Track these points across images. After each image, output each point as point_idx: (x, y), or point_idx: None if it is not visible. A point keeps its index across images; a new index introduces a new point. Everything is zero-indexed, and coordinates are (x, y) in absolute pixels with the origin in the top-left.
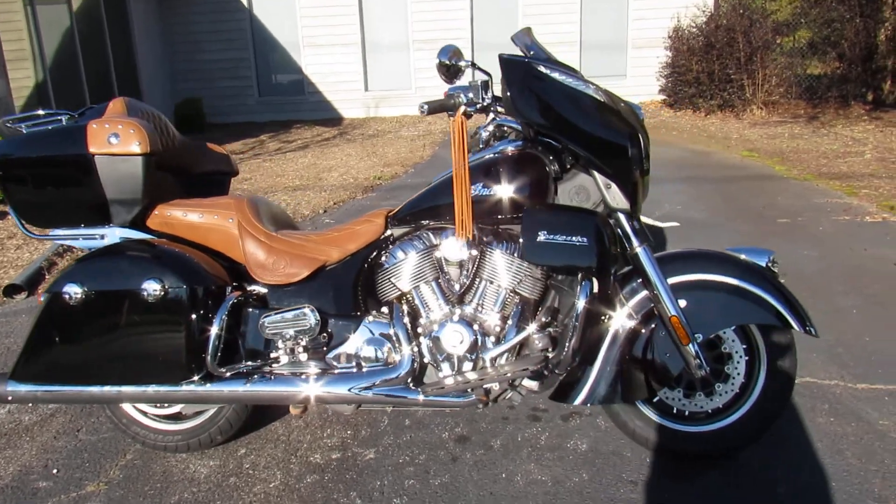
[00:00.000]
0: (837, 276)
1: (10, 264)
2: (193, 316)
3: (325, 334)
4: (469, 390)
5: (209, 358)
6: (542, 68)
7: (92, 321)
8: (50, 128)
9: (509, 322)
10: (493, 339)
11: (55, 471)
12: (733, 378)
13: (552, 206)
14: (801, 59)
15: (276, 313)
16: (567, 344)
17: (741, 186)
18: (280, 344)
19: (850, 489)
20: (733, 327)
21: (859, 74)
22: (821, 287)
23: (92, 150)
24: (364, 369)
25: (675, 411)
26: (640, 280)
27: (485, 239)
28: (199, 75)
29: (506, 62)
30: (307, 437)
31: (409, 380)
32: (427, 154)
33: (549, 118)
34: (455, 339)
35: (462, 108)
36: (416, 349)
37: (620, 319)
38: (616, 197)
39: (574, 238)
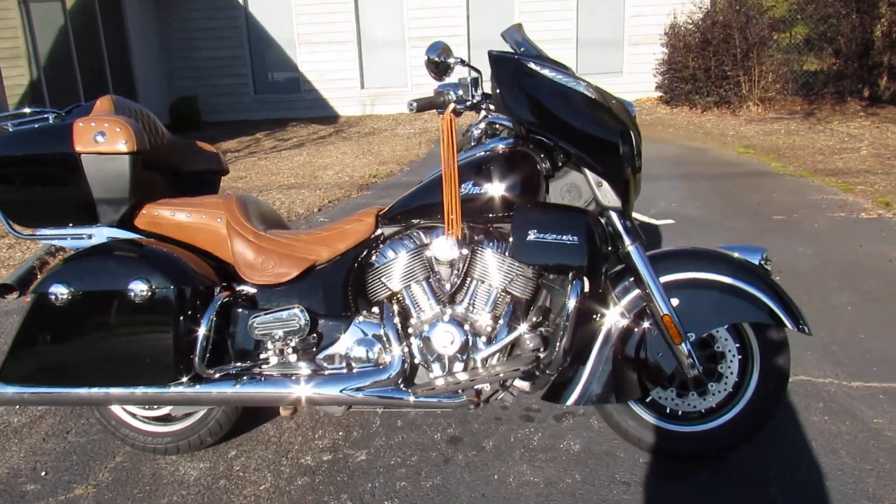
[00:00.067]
0: (832, 272)
1: (1, 264)
2: (181, 317)
3: (314, 335)
4: (460, 391)
5: (197, 359)
6: (531, 65)
7: (79, 322)
8: (36, 126)
9: (500, 322)
10: (484, 339)
11: (43, 473)
12: (726, 377)
13: (542, 205)
14: (798, 55)
15: (265, 314)
16: (558, 344)
17: (737, 183)
18: (269, 345)
19: (844, 489)
20: (726, 326)
21: (855, 70)
22: (816, 284)
23: (78, 148)
24: (354, 370)
25: (668, 411)
26: (632, 279)
27: (476, 238)
28: (195, 73)
29: (495, 59)
30: (298, 439)
31: (400, 381)
32: (423, 152)
33: (539, 115)
34: (446, 340)
35: (451, 106)
36: (406, 350)
37: (612, 318)
38: (607, 195)
39: (564, 237)
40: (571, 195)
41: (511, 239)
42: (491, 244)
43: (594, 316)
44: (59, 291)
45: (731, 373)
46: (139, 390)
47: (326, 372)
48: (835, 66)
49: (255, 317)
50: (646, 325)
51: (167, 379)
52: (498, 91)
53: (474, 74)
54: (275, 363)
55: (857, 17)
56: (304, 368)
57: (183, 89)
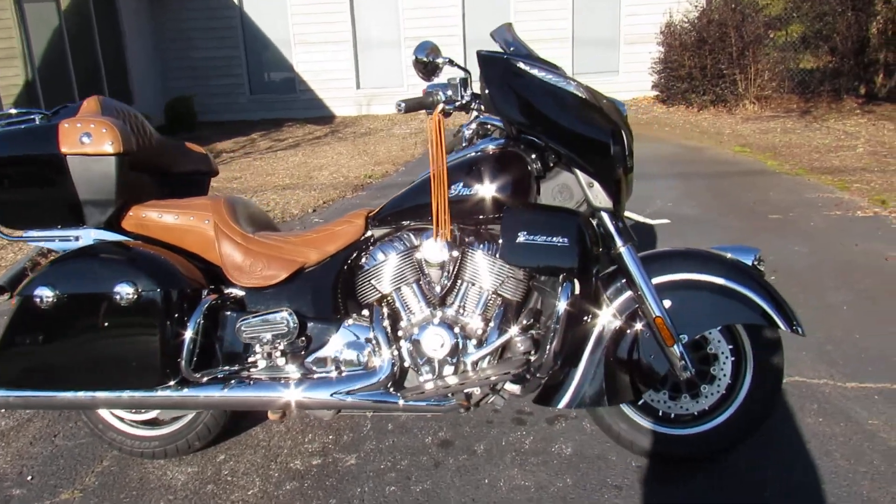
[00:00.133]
0: (828, 271)
1: None
2: (168, 320)
3: (303, 338)
4: (450, 395)
5: (184, 363)
6: (521, 65)
7: (64, 325)
8: (22, 127)
9: (491, 324)
10: (474, 342)
11: (30, 478)
12: (719, 379)
13: (532, 206)
14: (794, 53)
15: (253, 317)
16: (548, 347)
17: (733, 182)
18: (258, 348)
19: (838, 491)
20: (719, 328)
21: (851, 68)
22: (811, 283)
23: (63, 149)
24: (344, 374)
25: (660, 414)
26: (624, 280)
27: (466, 239)
28: (190, 73)
29: (484, 59)
30: (288, 443)
31: (389, 384)
32: (418, 152)
33: (529, 116)
34: (436, 343)
35: (440, 107)
36: (396, 353)
37: (604, 320)
38: (599, 196)
39: (554, 239)
40: (563, 196)
41: (500, 241)
42: (482, 246)
43: (586, 318)
44: (45, 294)
45: (724, 375)
46: (125, 394)
47: (315, 375)
48: (831, 63)
49: (244, 320)
50: (638, 326)
51: (154, 383)
52: (487, 91)
53: (463, 75)
54: (263, 367)
55: (853, 15)
56: (293, 372)
57: (178, 89)
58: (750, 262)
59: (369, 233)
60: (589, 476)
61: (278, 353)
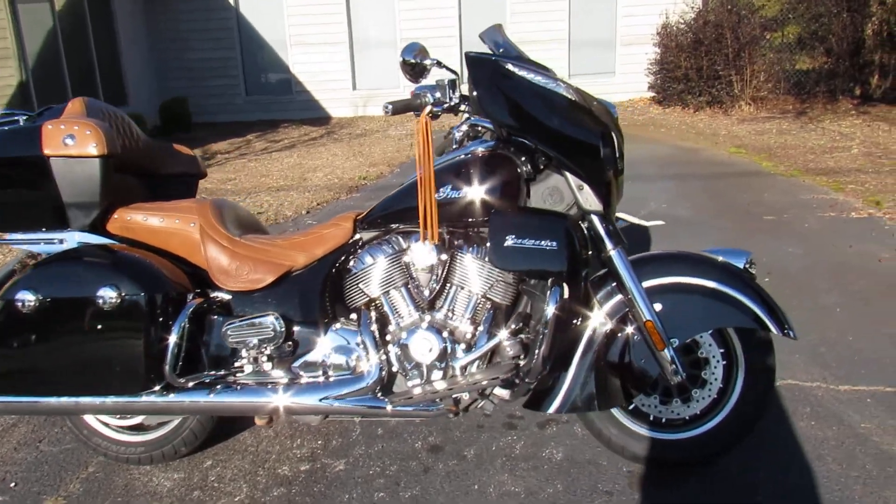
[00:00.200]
0: (822, 273)
1: None
2: (152, 324)
3: (290, 342)
4: (439, 400)
5: (168, 368)
6: (509, 66)
7: (47, 329)
8: (5, 129)
9: (480, 328)
10: (463, 346)
11: (13, 484)
12: (710, 383)
13: (520, 210)
14: (790, 54)
15: (239, 321)
16: (537, 351)
17: (728, 183)
18: (244, 353)
19: (830, 496)
20: (710, 331)
21: (847, 69)
22: (805, 285)
23: (47, 151)
24: (331, 378)
25: (651, 418)
26: (614, 284)
27: (455, 243)
28: (186, 74)
29: (472, 60)
30: (276, 448)
31: (377, 389)
32: (414, 153)
33: (517, 118)
34: (424, 347)
35: (428, 108)
36: (384, 357)
37: (594, 324)
38: (589, 198)
39: (542, 242)
40: (553, 199)
41: (488, 244)
42: (471, 249)
43: (576, 322)
44: (27, 298)
45: (716, 379)
46: (110, 399)
47: (303, 380)
48: (826, 64)
49: (230, 324)
50: (628, 330)
51: (138, 388)
52: (475, 93)
53: (451, 76)
54: (250, 371)
55: (848, 16)
56: (280, 377)
57: (174, 90)
58: (741, 266)
59: (357, 236)
60: (580, 481)
61: (265, 358)
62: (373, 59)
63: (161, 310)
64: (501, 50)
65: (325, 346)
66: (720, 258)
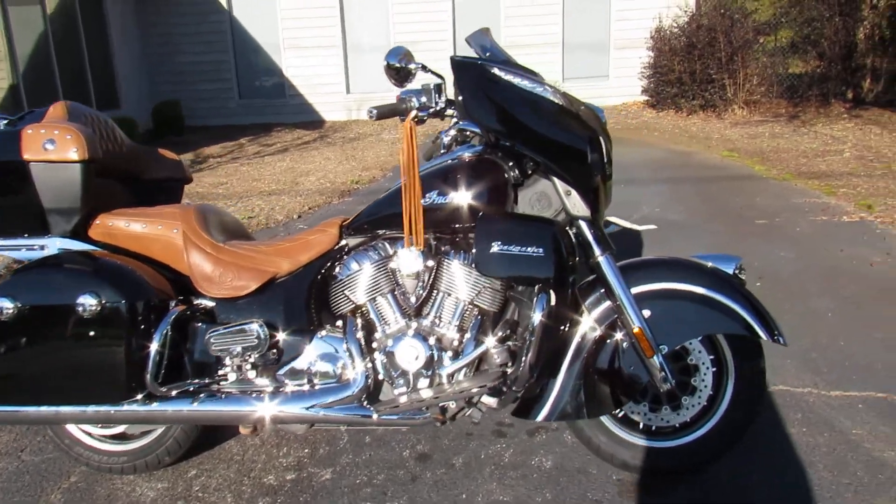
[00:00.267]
0: (814, 277)
1: None
2: (133, 332)
3: (275, 350)
4: (425, 408)
5: (149, 376)
6: (495, 70)
7: (26, 338)
8: None
9: (467, 336)
10: (450, 353)
11: None
12: (700, 390)
13: (507, 216)
14: (782, 58)
15: (223, 328)
16: (524, 359)
17: (721, 187)
18: (228, 361)
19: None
20: (699, 338)
21: (839, 73)
22: (797, 289)
23: (26, 156)
24: (317, 387)
25: (641, 426)
26: (602, 290)
27: (442, 249)
28: (178, 77)
29: (458, 64)
30: (262, 457)
31: (363, 397)
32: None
33: (504, 122)
34: (410, 355)
35: (413, 113)
36: (370, 365)
37: (583, 331)
38: (576, 204)
39: (529, 249)
40: (541, 204)
41: (474, 250)
42: (458, 255)
43: (564, 329)
44: (5, 305)
45: (706, 386)
46: (91, 409)
47: (288, 389)
48: (819, 68)
49: (213, 332)
50: (617, 337)
51: (119, 397)
52: (461, 97)
53: (437, 80)
54: (234, 380)
55: (841, 20)
56: (265, 385)
57: (166, 93)
58: (731, 271)
59: (343, 242)
60: (569, 490)
61: (249, 366)
62: (366, 63)
63: (143, 317)
64: (488, 54)
65: (311, 354)
66: (709, 264)
